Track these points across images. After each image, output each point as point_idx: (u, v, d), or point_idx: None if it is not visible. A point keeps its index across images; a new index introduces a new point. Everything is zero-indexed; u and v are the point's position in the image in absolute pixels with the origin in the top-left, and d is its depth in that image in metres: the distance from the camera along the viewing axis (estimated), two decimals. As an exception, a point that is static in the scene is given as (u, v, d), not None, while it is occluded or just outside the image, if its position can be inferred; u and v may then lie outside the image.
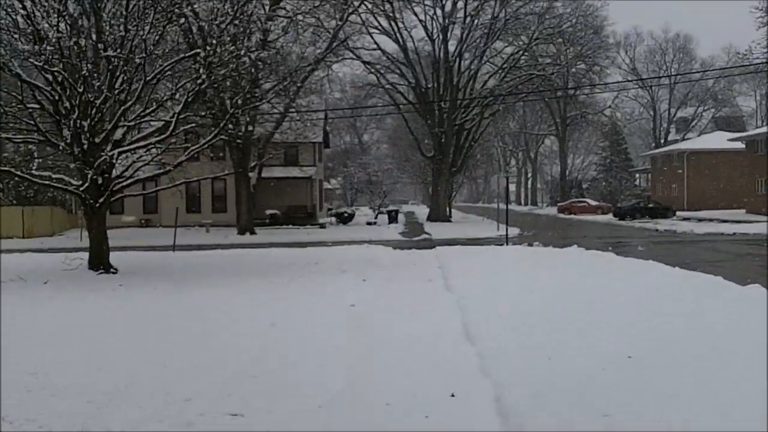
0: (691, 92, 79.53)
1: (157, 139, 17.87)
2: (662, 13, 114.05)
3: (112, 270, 18.34)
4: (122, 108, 17.65)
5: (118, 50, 16.78)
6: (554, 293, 11.98)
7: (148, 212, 47.16)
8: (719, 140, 57.75)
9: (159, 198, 44.42)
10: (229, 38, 17.83)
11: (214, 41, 16.87)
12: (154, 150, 19.12)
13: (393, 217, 48.85)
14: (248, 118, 35.75)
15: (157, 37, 17.27)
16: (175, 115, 16.95)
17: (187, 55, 18.03)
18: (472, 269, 16.23)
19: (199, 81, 16.46)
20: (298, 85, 38.88)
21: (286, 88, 38.01)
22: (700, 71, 64.97)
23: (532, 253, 20.90)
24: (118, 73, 17.27)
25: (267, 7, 35.14)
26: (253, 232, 38.03)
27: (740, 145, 52.53)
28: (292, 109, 38.45)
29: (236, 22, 18.22)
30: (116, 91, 17.34)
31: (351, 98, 60.32)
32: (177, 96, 17.04)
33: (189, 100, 17.01)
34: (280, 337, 9.30)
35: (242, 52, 17.93)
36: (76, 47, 16.23)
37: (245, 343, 8.89)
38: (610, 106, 76.45)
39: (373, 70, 50.23)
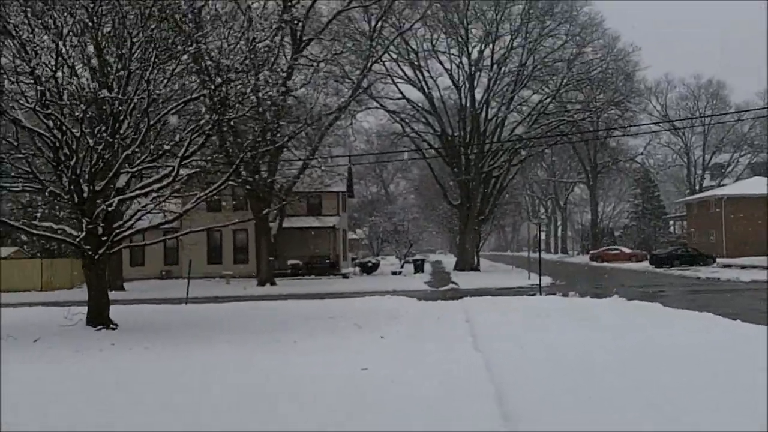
0: (725, 138, 77.39)
1: (160, 185, 16.62)
2: (694, 59, 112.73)
3: (111, 326, 16.99)
4: (124, 153, 16.53)
5: (118, 92, 15.71)
6: (603, 353, 10.35)
7: (168, 263, 46.34)
8: (757, 186, 55.60)
9: (180, 249, 43.62)
10: (237, 76, 16.70)
11: (221, 79, 15.72)
12: (158, 197, 17.93)
13: (419, 267, 47.28)
14: (267, 166, 34.93)
15: (162, 78, 16.24)
16: (179, 159, 15.72)
17: (192, 97, 16.80)
18: (503, 324, 14.61)
19: (202, 122, 15.22)
20: (321, 132, 38.02)
21: (309, 137, 37.15)
22: (734, 112, 63.04)
23: (568, 304, 19.17)
24: (121, 117, 16.21)
25: (288, 55, 34.49)
26: (273, 283, 36.70)
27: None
28: (314, 158, 37.36)
29: (248, 61, 17.16)
30: (118, 137, 16.23)
31: (376, 148, 59.37)
32: (178, 139, 15.79)
33: (192, 143, 15.79)
34: (251, 415, 7.72)
35: (250, 90, 16.69)
36: (74, 88, 15.18)
37: (206, 420, 7.39)
38: (641, 153, 74.71)
39: (398, 119, 49.28)
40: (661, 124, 67.96)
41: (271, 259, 37.46)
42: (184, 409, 7.91)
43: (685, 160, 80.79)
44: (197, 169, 16.83)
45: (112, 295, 33.04)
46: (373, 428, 6.96)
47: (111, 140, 15.97)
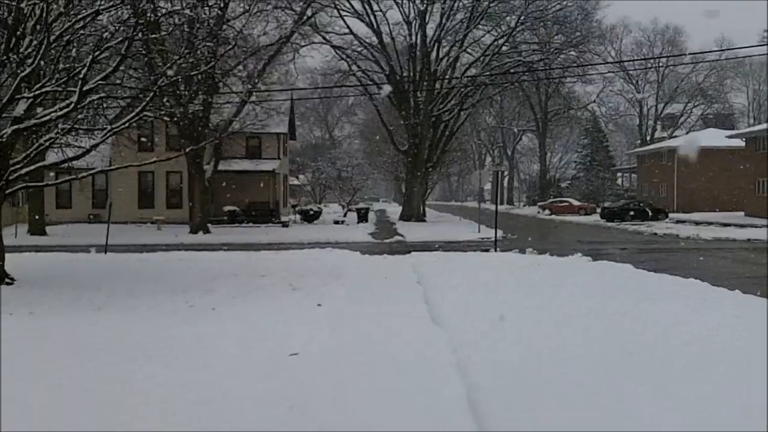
0: (679, 88, 76.03)
1: (60, 114, 13.75)
2: (652, 5, 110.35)
3: (7, 280, 14.36)
4: (21, 74, 13.63)
5: None
6: (586, 328, 8.29)
7: (97, 207, 43.21)
8: (712, 138, 54.31)
9: (110, 192, 40.86)
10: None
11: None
12: (63, 129, 15.07)
13: (363, 216, 45.04)
14: (202, 102, 31.95)
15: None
16: (80, 81, 12.89)
17: (108, 5, 13.79)
18: (462, 286, 12.45)
19: (106, 35, 12.37)
20: (261, 67, 35.11)
21: (248, 72, 34.22)
22: (691, 63, 61.61)
23: (529, 263, 17.15)
24: (20, 30, 13.30)
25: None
26: (207, 231, 34.10)
27: (736, 142, 49.09)
28: (254, 95, 34.44)
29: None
30: (15, 55, 13.34)
31: (321, 91, 56.34)
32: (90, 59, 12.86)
33: (95, 60, 12.97)
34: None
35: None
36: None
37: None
38: (594, 101, 73.20)
39: (344, 56, 46.27)
40: (614, 71, 66.21)
41: (203, 203, 34.77)
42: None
43: (637, 109, 79.60)
44: (102, 95, 13.91)
45: (32, 239, 30.58)
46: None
47: (5, 58, 13.14)
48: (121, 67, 15.11)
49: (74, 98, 13.21)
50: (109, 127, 15.23)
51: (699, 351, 7.36)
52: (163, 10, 17.51)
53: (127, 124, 14.87)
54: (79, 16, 13.70)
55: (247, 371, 6.99)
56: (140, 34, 14.83)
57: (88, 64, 12.68)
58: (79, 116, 14.44)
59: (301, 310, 10.53)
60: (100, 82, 13.99)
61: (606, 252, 22.54)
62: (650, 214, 45.59)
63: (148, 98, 14.74)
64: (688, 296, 10.90)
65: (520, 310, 9.75)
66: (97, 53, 12.78)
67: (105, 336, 8.73)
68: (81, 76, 12.90)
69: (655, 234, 33.47)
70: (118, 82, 14.48)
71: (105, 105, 16.25)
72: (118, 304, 11.28)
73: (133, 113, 14.81)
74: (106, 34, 12.69)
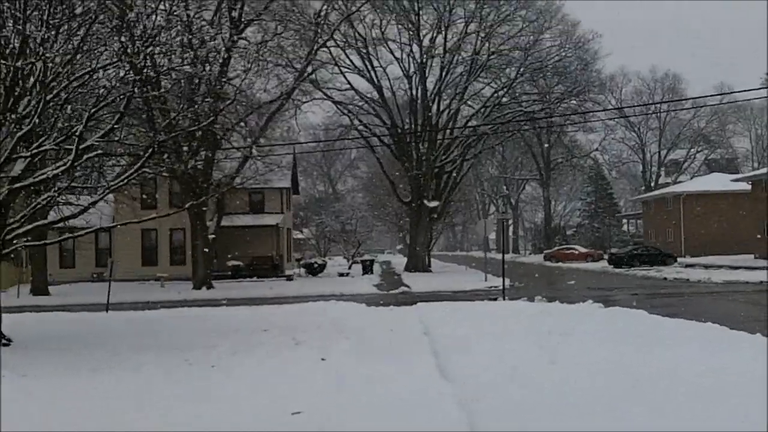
0: (681, 134, 76.17)
1: (56, 172, 13.56)
2: (650, 53, 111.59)
3: (4, 341, 13.99)
4: (19, 134, 13.50)
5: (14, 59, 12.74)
6: (618, 384, 7.89)
7: (100, 265, 42.88)
8: (716, 182, 54.17)
9: (114, 250, 40.81)
10: (165, 42, 13.86)
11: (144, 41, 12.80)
12: (60, 189, 14.91)
13: (368, 268, 44.61)
14: (204, 158, 31.99)
15: (61, 39, 13.29)
16: (77, 139, 12.74)
17: (104, 64, 13.70)
18: (471, 337, 12.06)
19: (102, 91, 12.25)
20: (263, 123, 35.21)
21: (249, 128, 34.34)
22: (692, 108, 61.80)
23: (539, 311, 16.72)
24: (18, 91, 13.22)
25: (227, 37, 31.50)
26: (210, 287, 33.69)
27: (741, 186, 48.82)
28: (255, 146, 34.40)
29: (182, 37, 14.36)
30: (13, 115, 13.24)
31: (323, 145, 56.52)
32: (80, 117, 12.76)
33: (92, 117, 12.85)
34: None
35: (180, 61, 13.82)
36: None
37: None
38: (597, 149, 73.30)
39: (345, 111, 46.48)
40: (616, 119, 66.36)
41: (207, 259, 34.45)
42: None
43: (640, 156, 79.59)
44: (98, 151, 13.71)
45: (35, 300, 30.24)
46: None
47: (3, 117, 13.03)
48: (121, 125, 15.01)
49: (71, 156, 13.05)
50: (107, 185, 15.05)
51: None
52: (163, 68, 17.50)
53: (125, 181, 14.67)
54: (77, 74, 13.65)
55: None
56: (138, 91, 14.76)
57: (84, 121, 12.51)
58: (77, 174, 14.25)
59: (305, 366, 10.11)
60: (98, 140, 13.87)
61: (616, 298, 22.08)
62: (659, 259, 45.10)
63: (146, 155, 14.58)
64: (701, 338, 10.47)
65: (531, 362, 9.34)
66: (93, 110, 12.61)
67: (96, 398, 8.34)
68: (77, 133, 12.75)
69: (665, 278, 32.97)
70: (116, 139, 14.27)
71: (104, 163, 16.11)
72: (110, 365, 10.88)
73: (132, 170, 14.64)
74: (103, 90, 12.52)
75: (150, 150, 14.58)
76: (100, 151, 13.59)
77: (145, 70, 14.07)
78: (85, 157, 13.33)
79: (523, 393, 7.66)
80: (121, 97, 13.96)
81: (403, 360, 10.35)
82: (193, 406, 7.67)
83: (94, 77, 13.91)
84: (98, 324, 17.80)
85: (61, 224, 16.98)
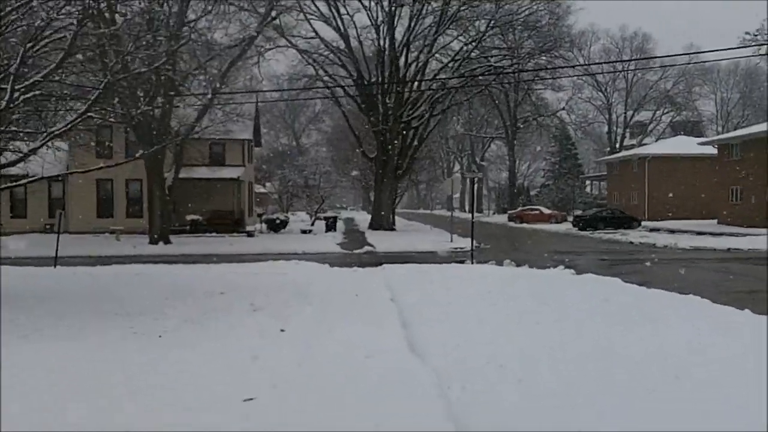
0: (648, 95, 75.91)
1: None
2: (621, 12, 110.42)
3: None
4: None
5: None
6: (616, 364, 7.13)
7: (54, 216, 41.32)
8: (681, 145, 53.92)
9: (68, 200, 39.62)
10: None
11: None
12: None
13: (331, 225, 43.74)
14: (161, 107, 30.46)
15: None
16: (11, 78, 11.44)
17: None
18: (442, 306, 11.28)
19: (38, 24, 10.92)
20: (225, 70, 33.63)
21: (210, 76, 32.77)
22: (659, 67, 61.24)
23: (510, 275, 16.02)
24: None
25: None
26: (167, 241, 32.51)
27: (708, 149, 48.70)
28: (216, 99, 32.91)
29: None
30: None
31: (287, 95, 54.84)
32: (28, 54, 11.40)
33: (31, 55, 11.54)
34: None
35: None
36: None
37: None
38: (563, 108, 72.65)
39: (310, 61, 44.92)
40: (583, 76, 65.76)
41: (164, 213, 33.18)
42: None
43: (606, 117, 79.30)
44: (37, 92, 12.39)
45: (-18, 251, 28.70)
46: None
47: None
48: (67, 65, 13.65)
49: (6, 96, 11.76)
50: (46, 131, 13.77)
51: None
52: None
53: (69, 127, 13.39)
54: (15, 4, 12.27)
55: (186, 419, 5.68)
56: (86, 27, 13.40)
57: (19, 58, 11.22)
58: (14, 117, 12.94)
59: (262, 337, 9.20)
60: (39, 79, 12.55)
61: (585, 263, 21.48)
62: (623, 222, 44.91)
63: (93, 99, 13.32)
64: (687, 313, 9.80)
65: (501, 331, 8.55)
66: (29, 45, 11.31)
67: (14, 375, 7.32)
68: (12, 70, 11.46)
69: (632, 243, 32.63)
70: (56, 79, 12.94)
71: (46, 107, 14.75)
72: (50, 332, 9.84)
73: (76, 115, 13.37)
74: (40, 22, 11.21)
75: (97, 93, 13.32)
76: (37, 92, 12.25)
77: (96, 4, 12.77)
78: (21, 98, 12.01)
79: (500, 374, 6.88)
80: (68, 33, 12.64)
81: (370, 327, 9.55)
82: (126, 389, 6.71)
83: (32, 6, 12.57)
84: (42, 281, 16.64)
85: (5, 171, 15.74)
